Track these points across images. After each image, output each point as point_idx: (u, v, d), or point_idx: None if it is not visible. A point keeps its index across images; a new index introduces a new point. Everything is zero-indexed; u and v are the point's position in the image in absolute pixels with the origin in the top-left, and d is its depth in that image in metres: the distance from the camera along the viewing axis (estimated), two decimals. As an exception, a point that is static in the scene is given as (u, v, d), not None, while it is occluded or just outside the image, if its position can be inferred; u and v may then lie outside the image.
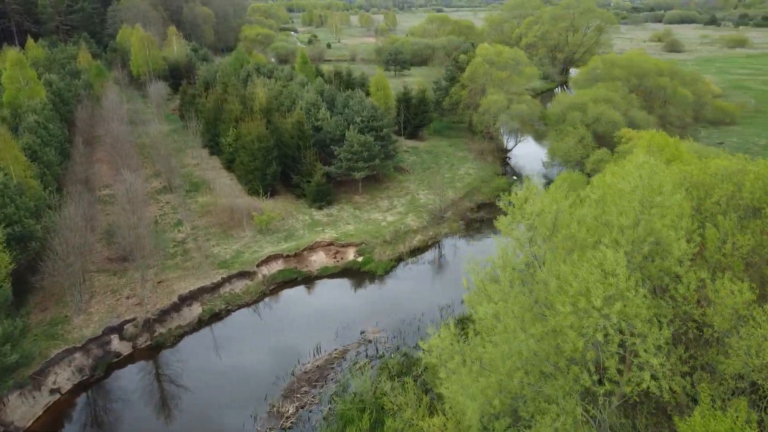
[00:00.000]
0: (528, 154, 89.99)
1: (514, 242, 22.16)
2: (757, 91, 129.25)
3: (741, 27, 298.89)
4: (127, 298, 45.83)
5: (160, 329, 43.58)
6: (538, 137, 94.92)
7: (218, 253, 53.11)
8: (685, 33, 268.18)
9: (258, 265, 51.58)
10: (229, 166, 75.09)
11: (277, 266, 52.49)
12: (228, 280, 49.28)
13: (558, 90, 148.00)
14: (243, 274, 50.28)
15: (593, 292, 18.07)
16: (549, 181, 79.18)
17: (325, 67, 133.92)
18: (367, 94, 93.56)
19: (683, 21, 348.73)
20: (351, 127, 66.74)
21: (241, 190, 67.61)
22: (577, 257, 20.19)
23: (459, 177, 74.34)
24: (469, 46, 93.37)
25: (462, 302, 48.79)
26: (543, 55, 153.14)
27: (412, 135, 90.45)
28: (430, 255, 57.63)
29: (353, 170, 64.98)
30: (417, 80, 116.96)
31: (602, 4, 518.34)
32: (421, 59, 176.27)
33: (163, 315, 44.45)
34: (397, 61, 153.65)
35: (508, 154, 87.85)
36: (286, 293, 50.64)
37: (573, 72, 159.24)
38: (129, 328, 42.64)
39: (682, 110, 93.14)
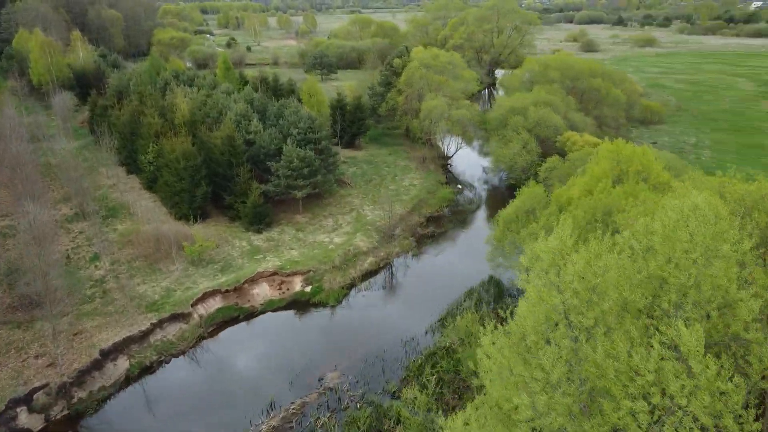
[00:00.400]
0: (468, 160, 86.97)
1: (547, 309, 17.53)
2: (673, 89, 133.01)
3: (646, 27, 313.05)
4: (36, 357, 38.18)
5: (80, 394, 36.37)
6: (477, 142, 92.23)
7: (145, 293, 45.97)
8: (597, 33, 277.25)
9: (193, 305, 44.95)
10: (151, 186, 67.25)
11: (215, 304, 46.04)
12: (159, 325, 42.43)
13: (486, 92, 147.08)
14: (176, 317, 43.54)
15: (671, 384, 13.82)
16: (493, 188, 76.42)
17: (249, 72, 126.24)
18: (299, 100, 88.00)
19: (592, 21, 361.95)
20: (288, 140, 60.81)
21: (167, 214, 60.24)
22: (633, 329, 15.88)
23: (404, 189, 69.93)
24: (403, 50, 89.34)
25: (426, 333, 44.57)
26: (470, 57, 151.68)
27: (349, 144, 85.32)
28: (383, 278, 52.77)
29: (293, 188, 59.11)
30: (348, 85, 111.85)
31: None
32: (346, 62, 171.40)
33: (82, 376, 37.22)
34: (322, 64, 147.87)
35: (449, 161, 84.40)
36: (228, 335, 44.32)
37: (499, 73, 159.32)
38: (40, 397, 35.23)
39: (615, 111, 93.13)
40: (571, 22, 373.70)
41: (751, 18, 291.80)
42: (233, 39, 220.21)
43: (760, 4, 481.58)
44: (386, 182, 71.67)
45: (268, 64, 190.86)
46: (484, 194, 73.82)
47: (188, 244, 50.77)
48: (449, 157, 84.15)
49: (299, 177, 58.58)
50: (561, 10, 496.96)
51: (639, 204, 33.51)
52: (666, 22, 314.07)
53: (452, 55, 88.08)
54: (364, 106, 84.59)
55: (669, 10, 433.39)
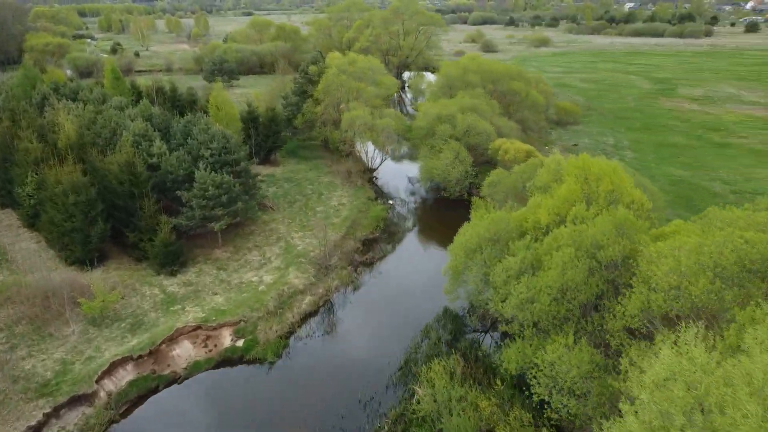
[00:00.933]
0: (393, 171, 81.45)
1: None
2: (578, 88, 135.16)
3: (536, 27, 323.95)
4: None
5: None
6: (402, 151, 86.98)
7: (33, 371, 36.25)
8: (492, 33, 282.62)
9: (98, 380, 35.92)
10: (33, 222, 56.12)
11: (126, 375, 37.19)
12: (54, 414, 33.21)
13: (395, 96, 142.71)
14: (77, 400, 34.42)
15: None
16: (423, 201, 71.46)
17: (141, 81, 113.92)
18: (205, 113, 79.04)
19: (485, 22, 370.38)
20: (200, 163, 52.20)
21: (56, 259, 49.95)
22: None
23: (333, 209, 63.12)
24: (318, 55, 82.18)
25: (387, 388, 38.32)
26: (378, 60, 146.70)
27: (265, 160, 77.23)
28: (324, 319, 45.83)
29: (210, 220, 50.71)
30: (256, 93, 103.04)
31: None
32: (247, 67, 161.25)
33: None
34: (223, 71, 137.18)
35: (375, 174, 78.50)
36: (147, 413, 35.73)
37: (407, 75, 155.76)
38: None
39: (535, 113, 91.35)
40: (465, 23, 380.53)
41: (629, 18, 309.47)
42: (118, 44, 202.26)
43: (632, 4, 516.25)
44: (312, 202, 64.56)
45: (161, 71, 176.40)
46: (415, 209, 68.56)
47: (86, 300, 41.26)
48: (374, 170, 78.22)
49: (216, 206, 50.32)
50: (453, 12, 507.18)
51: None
52: (554, 23, 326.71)
53: (370, 60, 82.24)
54: (279, 117, 76.83)
55: (553, 11, 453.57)
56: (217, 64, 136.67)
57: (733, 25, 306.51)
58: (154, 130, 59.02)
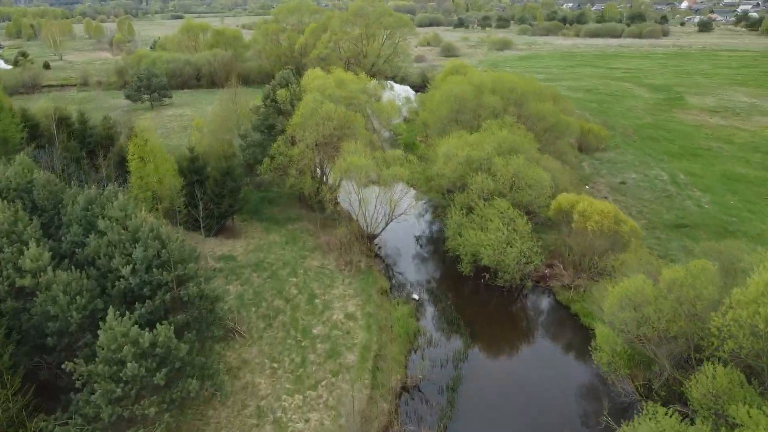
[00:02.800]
0: (396, 231, 57.78)
1: None
2: (575, 99, 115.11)
3: (487, 28, 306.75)
4: None
5: None
6: (414, 205, 63.34)
7: None
8: (444, 35, 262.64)
9: None
10: None
11: None
12: None
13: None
14: None
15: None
16: (457, 287, 48.40)
17: (42, 104, 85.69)
18: (122, 159, 54.24)
19: (432, 24, 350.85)
20: (110, 309, 27.28)
21: None
22: None
23: (340, 330, 38.90)
24: (289, 74, 57.24)
25: None
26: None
27: (219, 231, 52.18)
28: None
29: (132, 422, 25.91)
30: (197, 121, 77.01)
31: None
32: (181, 80, 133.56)
33: None
34: (151, 87, 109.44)
35: (376, 241, 54.64)
36: None
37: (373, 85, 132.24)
38: None
39: (568, 144, 70.24)
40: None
41: (581, 18, 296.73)
42: (24, 55, 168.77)
43: (571, 5, 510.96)
44: (302, 315, 40.12)
45: (75, 85, 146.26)
46: (454, 304, 45.20)
47: None
48: (376, 236, 54.25)
49: (143, 390, 25.70)
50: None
51: None
52: (504, 23, 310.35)
53: (362, 79, 58.21)
54: (237, 169, 51.81)
55: (497, 11, 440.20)
56: (143, 79, 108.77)
57: (682, 24, 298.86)
58: (30, 220, 33.30)
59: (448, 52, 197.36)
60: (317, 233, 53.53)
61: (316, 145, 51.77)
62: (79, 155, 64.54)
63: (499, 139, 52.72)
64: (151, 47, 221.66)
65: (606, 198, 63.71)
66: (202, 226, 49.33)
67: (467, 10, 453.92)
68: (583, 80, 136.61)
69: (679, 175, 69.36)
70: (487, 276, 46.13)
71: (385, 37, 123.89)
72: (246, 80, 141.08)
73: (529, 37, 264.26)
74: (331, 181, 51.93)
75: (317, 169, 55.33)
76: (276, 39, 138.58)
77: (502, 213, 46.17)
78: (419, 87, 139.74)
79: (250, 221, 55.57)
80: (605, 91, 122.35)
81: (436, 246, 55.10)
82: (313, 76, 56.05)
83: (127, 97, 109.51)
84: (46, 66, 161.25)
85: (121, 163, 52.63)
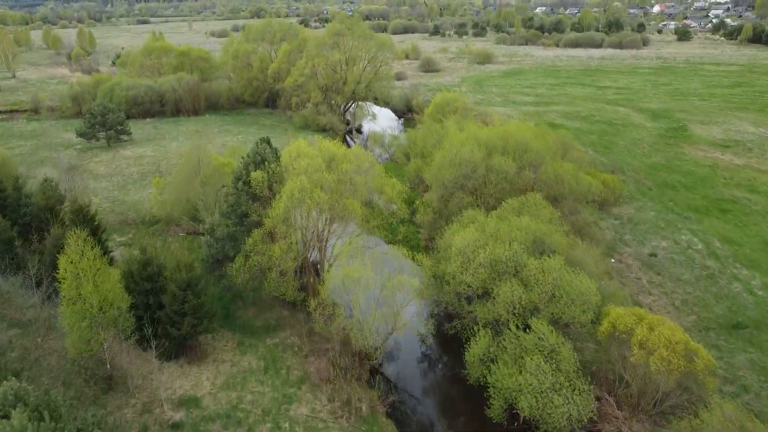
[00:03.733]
0: (397, 341, 47.12)
1: None
2: (571, 130, 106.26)
3: (464, 36, 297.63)
4: None
5: None
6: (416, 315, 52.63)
7: None
8: (423, 46, 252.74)
9: None
10: None
11: None
12: None
13: (352, 144, 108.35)
14: None
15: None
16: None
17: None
18: (55, 268, 42.72)
19: (406, 30, 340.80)
20: None
21: None
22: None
23: None
24: (263, 148, 45.81)
25: None
26: (318, 99, 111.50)
27: (177, 351, 41.00)
28: None
29: None
30: (156, 196, 64.85)
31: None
32: (142, 110, 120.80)
33: None
34: (107, 123, 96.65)
35: (377, 362, 43.91)
36: None
37: (352, 111, 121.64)
38: None
39: (591, 210, 60.61)
40: (384, 30, 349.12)
41: (558, 25, 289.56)
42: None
43: (544, 8, 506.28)
44: None
45: (25, 111, 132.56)
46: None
47: None
48: (376, 357, 43.33)
49: None
50: (367, 18, 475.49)
51: None
52: (481, 32, 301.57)
53: (359, 154, 47.13)
54: (200, 282, 40.57)
55: (472, 16, 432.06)
56: (97, 115, 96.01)
57: (659, 32, 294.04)
58: None
59: (429, 66, 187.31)
60: (303, 348, 42.75)
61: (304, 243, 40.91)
62: (10, 235, 53.13)
63: (523, 227, 42.60)
64: (112, 62, 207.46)
65: (639, 279, 54.26)
66: (154, 355, 38.16)
67: (441, 15, 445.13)
68: (575, 104, 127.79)
69: (715, 243, 60.25)
70: (522, 420, 36.07)
71: (366, 62, 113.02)
72: (214, 105, 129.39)
73: (508, 47, 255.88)
74: (322, 292, 40.99)
75: (304, 271, 44.48)
76: (246, 61, 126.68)
77: (541, 340, 36.07)
78: (402, 113, 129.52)
79: (220, 331, 44.43)
80: (602, 119, 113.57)
81: (450, 361, 44.77)
82: (296, 151, 44.94)
83: (80, 134, 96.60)
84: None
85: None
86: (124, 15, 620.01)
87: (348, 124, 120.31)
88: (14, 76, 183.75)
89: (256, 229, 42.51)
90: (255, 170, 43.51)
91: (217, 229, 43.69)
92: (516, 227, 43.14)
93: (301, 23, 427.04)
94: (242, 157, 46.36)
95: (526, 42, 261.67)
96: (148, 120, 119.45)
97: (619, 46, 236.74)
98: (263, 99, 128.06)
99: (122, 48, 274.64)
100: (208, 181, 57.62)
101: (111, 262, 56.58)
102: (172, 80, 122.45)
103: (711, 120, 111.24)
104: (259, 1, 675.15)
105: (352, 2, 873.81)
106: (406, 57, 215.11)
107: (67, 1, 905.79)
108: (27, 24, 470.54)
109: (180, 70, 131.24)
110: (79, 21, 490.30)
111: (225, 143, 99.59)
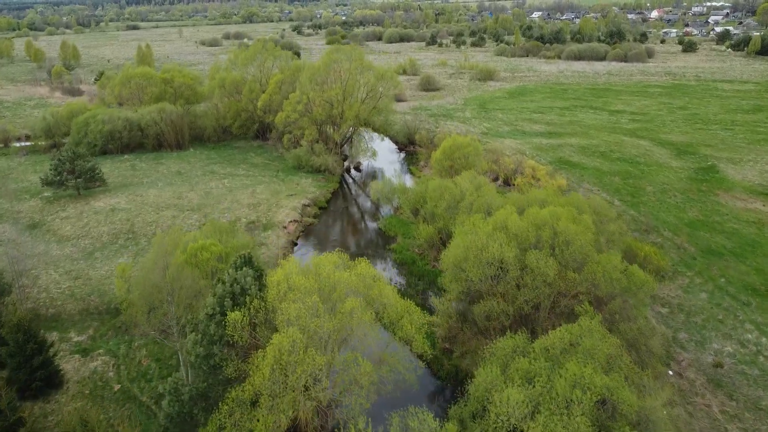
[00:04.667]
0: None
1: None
2: (589, 171, 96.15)
3: (462, 47, 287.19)
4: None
5: None
6: None
7: None
8: (419, 58, 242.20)
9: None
10: None
11: None
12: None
13: (343, 187, 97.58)
14: None
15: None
16: None
17: None
18: None
19: (402, 39, 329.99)
20: None
21: None
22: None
23: None
24: (245, 274, 34.93)
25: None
26: (312, 136, 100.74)
27: None
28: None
29: None
30: (120, 268, 53.91)
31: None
32: (120, 144, 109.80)
33: None
34: (77, 171, 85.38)
35: None
36: None
37: (349, 137, 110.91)
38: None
39: (643, 318, 50.17)
40: (379, 39, 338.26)
41: (558, 36, 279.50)
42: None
43: (540, 13, 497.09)
44: None
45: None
46: None
47: None
48: None
49: None
50: (361, 24, 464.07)
51: None
52: (479, 42, 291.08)
53: (365, 274, 36.18)
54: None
55: (468, 21, 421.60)
56: (65, 161, 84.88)
57: (663, 42, 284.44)
58: None
59: (428, 85, 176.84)
60: None
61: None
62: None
63: (584, 383, 32.20)
64: (95, 79, 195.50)
65: (709, 407, 43.90)
66: None
67: (437, 21, 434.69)
68: (590, 134, 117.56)
69: (790, 349, 50.03)
70: None
71: (365, 94, 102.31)
72: (200, 137, 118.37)
73: (508, 58, 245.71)
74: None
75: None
76: (234, 91, 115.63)
77: None
78: (404, 145, 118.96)
79: None
80: (623, 155, 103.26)
81: None
82: (285, 282, 34.21)
83: (46, 183, 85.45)
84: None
85: None
86: (113, 19, 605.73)
87: (345, 158, 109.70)
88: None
89: (234, 389, 31.80)
90: (232, 306, 32.79)
91: (182, 389, 32.93)
92: (574, 379, 32.70)
93: (293, 30, 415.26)
94: (215, 284, 35.46)
95: (527, 53, 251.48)
96: (126, 156, 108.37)
97: (624, 58, 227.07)
98: (253, 130, 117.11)
99: (108, 60, 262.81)
100: (179, 275, 46.82)
101: (60, 383, 46.13)
102: (154, 112, 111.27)
103: (741, 157, 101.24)
104: (251, 6, 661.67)
105: (345, 5, 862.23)
106: (404, 72, 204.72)
107: (56, 5, 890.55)
108: (14, 30, 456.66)
109: (163, 98, 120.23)
110: (67, 27, 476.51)
111: (209, 191, 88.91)
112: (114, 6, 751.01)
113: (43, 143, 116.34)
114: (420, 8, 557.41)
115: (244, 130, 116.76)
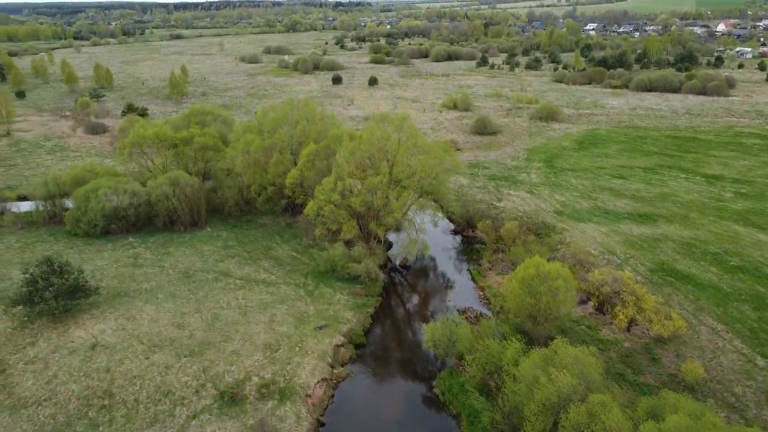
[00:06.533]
0: None
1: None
2: (704, 286, 72.95)
3: (516, 69, 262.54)
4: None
5: None
6: None
7: None
8: (466, 80, 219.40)
9: None
10: None
11: None
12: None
13: (379, 314, 76.68)
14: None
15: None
16: None
17: None
18: None
19: (450, 57, 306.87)
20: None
21: None
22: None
23: None
24: None
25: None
26: (351, 234, 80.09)
27: None
28: None
29: None
30: None
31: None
32: (126, 225, 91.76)
33: None
34: (54, 289, 66.99)
35: None
36: None
37: (395, 235, 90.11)
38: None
39: None
40: (426, 56, 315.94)
41: (622, 59, 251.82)
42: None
43: (595, 25, 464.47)
44: None
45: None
46: None
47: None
48: None
49: None
50: (406, 34, 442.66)
51: None
52: (535, 64, 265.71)
53: None
54: None
55: (518, 34, 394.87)
56: (41, 277, 66.61)
57: (741, 67, 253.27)
58: None
59: (484, 128, 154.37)
60: None
61: None
62: None
63: None
64: (123, 112, 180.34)
65: None
66: None
67: (485, 34, 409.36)
68: (691, 220, 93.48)
69: None
70: None
71: (417, 180, 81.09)
72: (218, 210, 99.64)
73: (568, 86, 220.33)
74: None
75: None
76: (261, 159, 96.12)
77: None
78: (460, 228, 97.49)
79: None
80: (744, 261, 78.92)
81: None
82: None
83: (14, 303, 67.43)
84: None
85: None
86: (159, 26, 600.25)
87: (389, 245, 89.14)
88: (8, 134, 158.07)
89: None
90: None
91: None
92: None
93: (336, 43, 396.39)
94: None
95: (589, 80, 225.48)
96: (131, 239, 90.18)
97: (702, 91, 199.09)
98: (281, 206, 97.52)
99: (142, 83, 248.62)
100: None
101: None
102: (165, 184, 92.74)
103: None
104: (294, 13, 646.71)
105: (390, 11, 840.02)
106: (455, 106, 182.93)
107: (107, 9, 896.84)
108: (60, 39, 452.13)
109: (180, 163, 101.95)
110: (112, 36, 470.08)
111: (218, 313, 69.28)
112: (162, 11, 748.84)
113: (43, 212, 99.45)
114: (467, 17, 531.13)
115: (270, 206, 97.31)
